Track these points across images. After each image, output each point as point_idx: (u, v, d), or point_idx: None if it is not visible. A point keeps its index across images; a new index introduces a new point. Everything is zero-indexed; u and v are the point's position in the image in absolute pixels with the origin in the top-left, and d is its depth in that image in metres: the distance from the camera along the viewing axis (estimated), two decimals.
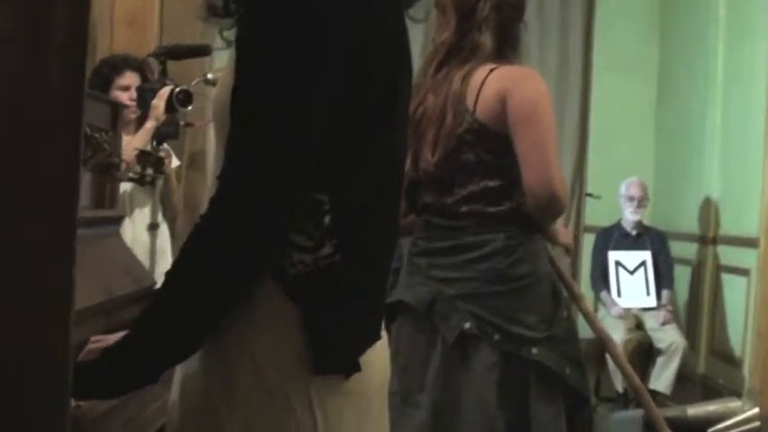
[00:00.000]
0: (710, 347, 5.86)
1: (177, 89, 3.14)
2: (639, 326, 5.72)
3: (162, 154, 3.25)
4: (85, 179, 1.74)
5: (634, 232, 5.99)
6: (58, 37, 0.98)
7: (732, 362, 5.56)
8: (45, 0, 0.98)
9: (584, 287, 5.73)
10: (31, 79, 0.99)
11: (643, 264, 5.86)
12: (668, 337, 5.57)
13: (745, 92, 5.56)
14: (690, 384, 5.78)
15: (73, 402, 1.23)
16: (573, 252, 2.87)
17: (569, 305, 2.66)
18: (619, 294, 5.82)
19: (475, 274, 2.46)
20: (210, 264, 1.21)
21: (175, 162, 3.93)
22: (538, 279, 2.50)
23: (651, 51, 6.79)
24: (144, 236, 3.35)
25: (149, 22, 4.37)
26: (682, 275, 6.06)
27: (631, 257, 5.89)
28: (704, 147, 5.97)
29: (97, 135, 1.92)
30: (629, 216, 5.98)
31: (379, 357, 1.39)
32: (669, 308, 5.78)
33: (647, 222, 6.12)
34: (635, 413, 4.72)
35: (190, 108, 3.21)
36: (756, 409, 4.53)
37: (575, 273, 6.05)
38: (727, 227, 5.77)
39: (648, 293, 5.83)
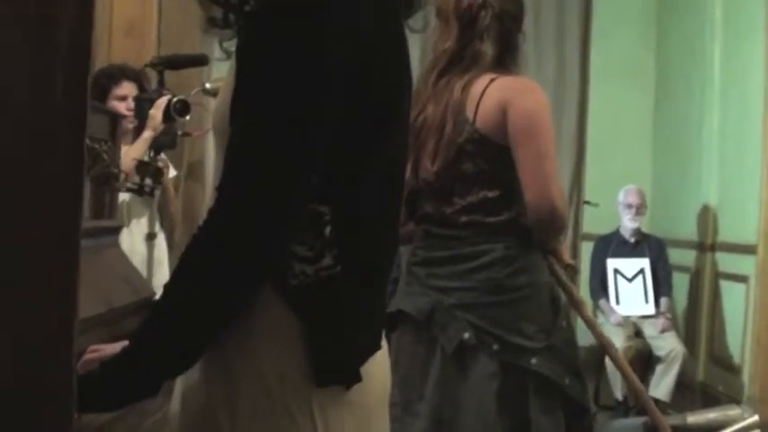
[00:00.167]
0: (710, 355, 5.86)
1: (175, 99, 3.14)
2: (638, 333, 5.72)
3: (160, 164, 3.25)
4: (85, 189, 1.74)
5: (632, 240, 6.00)
6: (63, 49, 0.98)
7: (731, 369, 5.55)
8: (49, 12, 0.98)
9: (583, 295, 5.71)
10: (36, 91, 0.99)
11: (641, 271, 5.86)
12: (667, 345, 5.57)
13: (743, 98, 5.57)
14: (689, 392, 5.77)
15: None
16: (575, 269, 2.86)
17: (569, 315, 2.66)
18: (617, 302, 5.82)
19: (474, 284, 2.46)
20: (209, 276, 1.21)
21: (172, 172, 3.93)
22: (537, 289, 2.50)
23: (648, 59, 6.80)
24: (141, 246, 3.35)
25: (148, 32, 4.38)
26: (680, 283, 6.07)
27: (630, 265, 5.89)
28: (702, 154, 5.98)
29: (96, 146, 1.92)
30: (628, 224, 5.99)
31: (379, 367, 1.39)
32: (668, 315, 5.78)
33: (645, 230, 6.12)
34: (635, 421, 4.71)
35: (187, 118, 3.21)
36: (756, 417, 4.52)
37: (573, 281, 6.04)
38: (726, 234, 5.78)
39: (647, 301, 5.83)
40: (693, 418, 4.53)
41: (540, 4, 6.20)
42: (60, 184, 1.00)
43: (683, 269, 6.11)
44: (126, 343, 1.27)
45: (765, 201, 5.22)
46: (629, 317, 5.75)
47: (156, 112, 3.15)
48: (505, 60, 2.54)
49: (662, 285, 5.87)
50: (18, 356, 0.99)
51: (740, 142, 5.59)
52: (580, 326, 3.05)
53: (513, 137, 2.40)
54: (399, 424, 2.38)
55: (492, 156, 2.45)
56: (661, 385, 5.42)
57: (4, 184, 0.99)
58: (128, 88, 3.63)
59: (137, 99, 3.33)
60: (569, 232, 5.88)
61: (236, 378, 1.26)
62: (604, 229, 6.11)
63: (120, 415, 1.47)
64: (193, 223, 1.25)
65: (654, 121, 6.83)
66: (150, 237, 3.29)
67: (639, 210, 5.98)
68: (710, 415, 4.54)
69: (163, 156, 3.33)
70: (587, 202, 6.16)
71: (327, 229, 1.27)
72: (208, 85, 3.17)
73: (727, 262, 5.76)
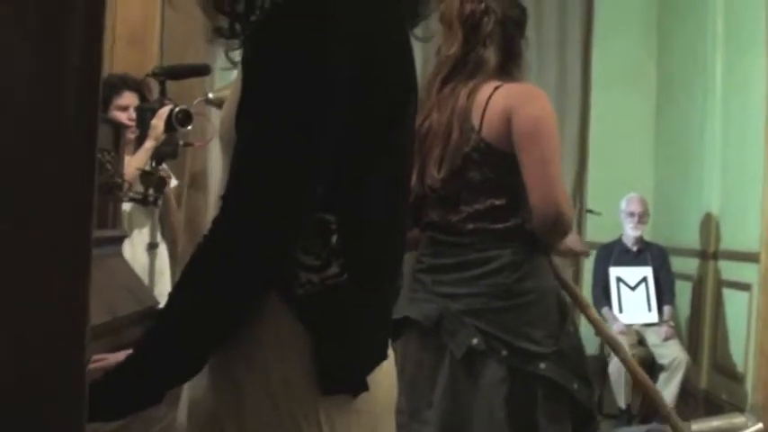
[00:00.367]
0: (713, 363, 5.84)
1: (177, 109, 3.14)
2: (641, 342, 5.71)
3: (162, 174, 3.26)
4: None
5: (635, 248, 5.99)
6: (74, 59, 0.99)
7: (734, 377, 5.54)
8: (60, 22, 0.99)
9: None
10: (46, 101, 1.00)
11: (644, 279, 5.86)
12: (670, 353, 5.56)
13: (744, 105, 5.56)
14: (692, 400, 5.76)
15: None
16: (587, 252, 2.86)
17: (575, 320, 2.66)
18: (620, 310, 5.82)
19: (482, 290, 2.46)
20: (213, 284, 1.21)
21: (174, 182, 3.94)
22: (544, 294, 2.50)
23: (649, 66, 6.79)
24: (143, 256, 3.35)
25: (150, 42, 4.38)
26: (683, 291, 6.06)
27: (632, 273, 5.89)
28: (704, 161, 5.97)
29: (100, 156, 1.92)
30: (630, 232, 5.98)
31: (386, 375, 1.39)
32: (671, 323, 5.78)
33: (647, 238, 6.12)
34: (639, 429, 4.71)
35: (189, 128, 3.21)
36: (760, 425, 4.50)
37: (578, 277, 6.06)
38: (728, 241, 5.77)
39: (650, 309, 5.83)
40: (697, 427, 4.52)
41: (541, 11, 6.21)
42: (72, 192, 1.01)
43: (685, 277, 6.10)
44: (130, 351, 1.27)
45: (767, 209, 5.21)
46: (631, 325, 5.75)
47: (158, 122, 3.15)
48: (509, 67, 2.54)
49: (665, 293, 5.86)
50: (30, 363, 0.99)
51: (742, 150, 5.58)
52: (582, 334, 3.04)
53: (518, 142, 2.41)
54: (407, 431, 2.38)
55: (498, 163, 2.46)
56: (664, 393, 5.40)
57: (17, 194, 0.99)
58: (129, 98, 3.63)
59: (138, 109, 3.34)
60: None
61: (242, 387, 1.26)
62: (607, 238, 6.11)
63: (126, 423, 1.47)
64: (197, 233, 1.25)
65: (656, 129, 6.82)
66: (152, 246, 3.29)
67: (642, 218, 5.98)
68: (714, 423, 4.53)
69: (164, 166, 3.34)
70: (590, 211, 6.15)
71: (334, 238, 1.27)
72: (210, 95, 3.18)
73: (729, 270, 5.75)
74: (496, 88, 2.46)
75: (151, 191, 3.14)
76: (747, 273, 5.42)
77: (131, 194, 3.08)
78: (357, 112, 1.26)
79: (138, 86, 3.66)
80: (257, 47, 1.25)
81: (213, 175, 4.67)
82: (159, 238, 3.47)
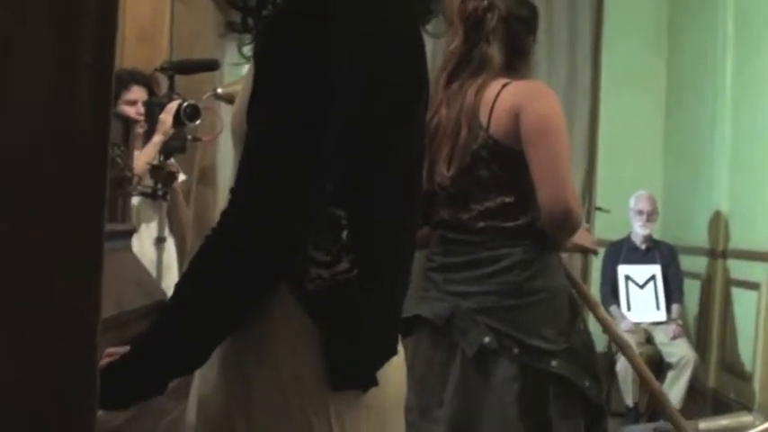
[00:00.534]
0: (721, 361, 5.83)
1: (185, 104, 3.14)
2: (649, 340, 5.71)
3: (172, 168, 3.26)
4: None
5: (643, 246, 5.98)
6: (86, 57, 0.99)
7: (743, 376, 5.53)
8: (74, 19, 1.00)
9: None
10: (60, 99, 1.00)
11: (653, 278, 5.85)
12: (678, 351, 5.55)
13: (755, 105, 5.55)
14: (700, 398, 5.75)
15: None
16: (595, 250, 2.86)
17: (585, 318, 2.66)
18: (628, 308, 5.81)
19: (493, 288, 2.46)
20: (220, 277, 1.22)
21: (182, 177, 3.94)
22: (555, 292, 2.49)
23: (659, 67, 6.78)
24: (150, 250, 3.35)
25: (160, 38, 4.38)
26: (691, 289, 6.05)
27: (641, 271, 5.88)
28: (713, 160, 5.96)
29: (110, 150, 1.92)
30: (639, 230, 5.97)
31: (396, 371, 1.39)
32: (679, 322, 5.77)
33: (656, 236, 6.11)
34: (645, 427, 4.71)
35: (198, 123, 3.21)
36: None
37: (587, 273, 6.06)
38: (737, 240, 5.76)
39: (658, 307, 5.82)
40: (705, 425, 4.52)
41: (551, 11, 6.20)
42: (84, 189, 1.02)
43: (694, 276, 6.09)
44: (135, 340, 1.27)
45: None
46: (640, 323, 5.74)
47: (167, 117, 3.15)
48: (516, 64, 2.53)
49: (673, 292, 5.85)
50: (41, 357, 1.00)
51: (752, 149, 5.57)
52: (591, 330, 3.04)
53: (526, 140, 2.40)
54: (416, 429, 2.38)
55: (507, 161, 2.45)
56: (672, 392, 5.40)
57: (31, 189, 1.00)
58: (138, 93, 3.63)
59: (147, 103, 3.33)
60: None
61: (252, 382, 1.26)
62: (615, 236, 6.10)
63: (134, 416, 1.48)
64: (206, 228, 1.25)
65: (665, 128, 6.81)
66: (159, 241, 3.29)
67: (651, 216, 5.97)
68: (722, 422, 4.53)
69: (172, 160, 3.34)
70: (599, 209, 6.14)
71: (344, 234, 1.27)
72: (220, 90, 3.18)
73: (738, 269, 5.73)
74: (504, 86, 2.46)
75: (160, 185, 3.14)
76: (756, 272, 5.41)
77: (140, 188, 3.08)
78: (368, 110, 1.26)
79: (146, 81, 3.66)
80: (269, 42, 1.25)
81: (223, 169, 4.67)
82: (167, 232, 3.47)
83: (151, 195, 3.17)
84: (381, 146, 1.30)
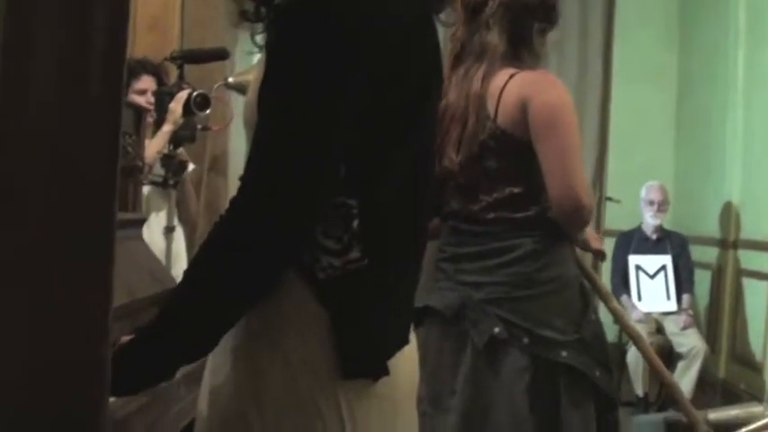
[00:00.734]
0: (731, 352, 5.82)
1: (195, 93, 3.15)
2: (660, 330, 5.70)
3: (182, 157, 3.27)
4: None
5: (654, 236, 5.97)
6: (98, 44, 1.00)
7: (753, 366, 5.52)
8: (86, 8, 1.00)
9: None
10: (71, 86, 1.01)
11: (663, 268, 5.84)
12: (689, 342, 5.55)
13: (766, 95, 5.53)
14: (710, 389, 5.75)
15: None
16: (604, 255, 2.84)
17: (596, 308, 2.65)
18: (639, 299, 5.80)
19: (504, 279, 2.45)
20: (228, 264, 1.22)
21: (191, 166, 3.95)
22: (566, 283, 2.49)
23: (670, 59, 6.76)
24: (160, 239, 3.35)
25: (170, 27, 4.39)
26: (702, 280, 6.03)
27: (652, 261, 5.87)
28: (725, 150, 5.94)
29: (122, 139, 1.93)
30: (650, 220, 5.96)
31: (407, 361, 1.39)
32: (690, 312, 5.76)
33: (667, 226, 6.09)
34: (656, 417, 4.70)
35: (207, 112, 3.21)
36: None
37: (598, 269, 6.04)
38: (748, 231, 5.74)
39: (669, 298, 5.81)
40: (715, 416, 4.51)
41: (563, 3, 6.17)
42: (98, 177, 1.02)
43: (705, 266, 6.07)
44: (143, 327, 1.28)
45: None
46: (650, 313, 5.73)
47: (176, 106, 3.15)
48: (521, 53, 2.49)
49: (684, 282, 5.84)
50: (55, 344, 1.01)
51: (764, 139, 5.55)
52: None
53: (535, 132, 2.38)
54: (428, 419, 2.38)
55: (515, 151, 2.44)
56: (682, 382, 5.39)
57: (43, 177, 1.01)
58: (147, 82, 3.63)
59: (157, 93, 3.34)
60: (591, 228, 5.84)
61: (263, 371, 1.26)
62: (626, 226, 6.09)
63: (146, 402, 1.49)
64: (216, 216, 1.25)
65: (677, 119, 6.79)
66: (168, 230, 3.30)
67: (661, 206, 5.95)
68: (733, 412, 4.52)
69: (181, 150, 3.34)
70: (609, 199, 6.13)
71: (355, 223, 1.27)
72: (231, 80, 3.18)
73: (749, 259, 5.72)
74: (512, 76, 2.43)
75: (171, 174, 3.15)
76: (767, 262, 5.39)
77: (151, 177, 3.09)
78: (380, 100, 1.25)
79: (155, 70, 3.66)
80: (281, 31, 1.25)
81: (234, 159, 4.68)
82: (176, 221, 3.48)
83: (162, 184, 3.18)
84: (393, 136, 1.29)
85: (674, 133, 6.78)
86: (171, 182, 3.18)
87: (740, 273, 5.79)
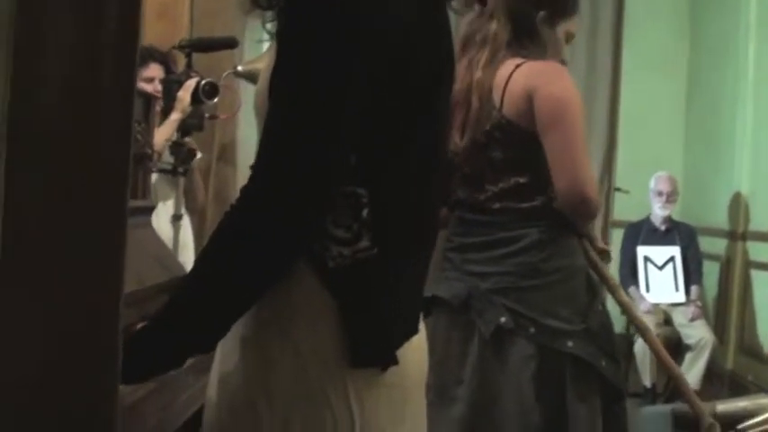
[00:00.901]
0: (739, 344, 5.82)
1: (203, 81, 3.14)
2: (668, 321, 5.70)
3: (192, 146, 3.27)
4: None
5: (663, 227, 5.96)
6: (110, 35, 1.00)
7: (761, 358, 5.52)
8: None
9: None
10: (84, 74, 1.01)
11: (672, 259, 5.84)
12: (697, 333, 5.55)
13: None
14: (718, 380, 5.75)
15: None
16: (609, 255, 2.82)
17: (604, 299, 2.65)
18: (647, 290, 5.80)
19: (510, 269, 2.45)
20: (239, 252, 1.21)
21: (198, 155, 3.95)
22: (572, 272, 2.49)
23: (680, 51, 6.75)
24: (167, 227, 3.36)
25: (180, 15, 4.39)
26: (711, 271, 6.03)
27: (660, 253, 5.86)
28: (734, 142, 5.93)
29: (133, 126, 1.93)
30: (658, 211, 5.95)
31: (417, 350, 1.39)
32: (698, 303, 5.76)
33: (676, 217, 6.09)
34: (663, 408, 4.69)
35: (215, 101, 3.21)
36: None
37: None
38: (757, 222, 5.73)
39: (677, 289, 5.80)
40: (723, 407, 4.50)
41: None
42: (109, 164, 1.02)
43: (713, 257, 6.07)
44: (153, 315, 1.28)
45: None
46: (658, 304, 5.73)
47: (185, 95, 3.15)
48: (525, 42, 2.48)
49: (692, 273, 5.84)
50: (66, 331, 1.01)
51: None
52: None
53: (541, 125, 2.38)
54: (435, 408, 2.38)
55: (521, 142, 2.43)
56: (690, 374, 5.39)
57: (55, 165, 1.01)
58: (155, 70, 3.63)
59: (165, 81, 3.33)
60: (599, 219, 5.85)
61: (273, 360, 1.26)
62: (635, 217, 6.08)
63: (155, 389, 1.49)
64: (225, 205, 1.25)
65: (686, 110, 6.78)
66: (176, 218, 3.31)
67: (670, 197, 5.94)
68: (740, 404, 4.51)
69: (189, 138, 3.34)
70: (618, 189, 6.13)
71: (365, 212, 1.26)
72: (240, 68, 3.18)
73: (758, 251, 5.71)
74: (518, 66, 2.42)
75: (179, 162, 3.15)
76: None
77: (159, 165, 3.09)
78: (390, 90, 1.25)
79: (163, 58, 3.66)
80: (291, 19, 1.24)
81: (242, 147, 4.68)
82: (183, 210, 3.48)
83: (171, 172, 3.18)
84: (405, 125, 1.29)
85: (684, 125, 6.77)
86: (180, 170, 3.18)
87: (749, 264, 5.79)
